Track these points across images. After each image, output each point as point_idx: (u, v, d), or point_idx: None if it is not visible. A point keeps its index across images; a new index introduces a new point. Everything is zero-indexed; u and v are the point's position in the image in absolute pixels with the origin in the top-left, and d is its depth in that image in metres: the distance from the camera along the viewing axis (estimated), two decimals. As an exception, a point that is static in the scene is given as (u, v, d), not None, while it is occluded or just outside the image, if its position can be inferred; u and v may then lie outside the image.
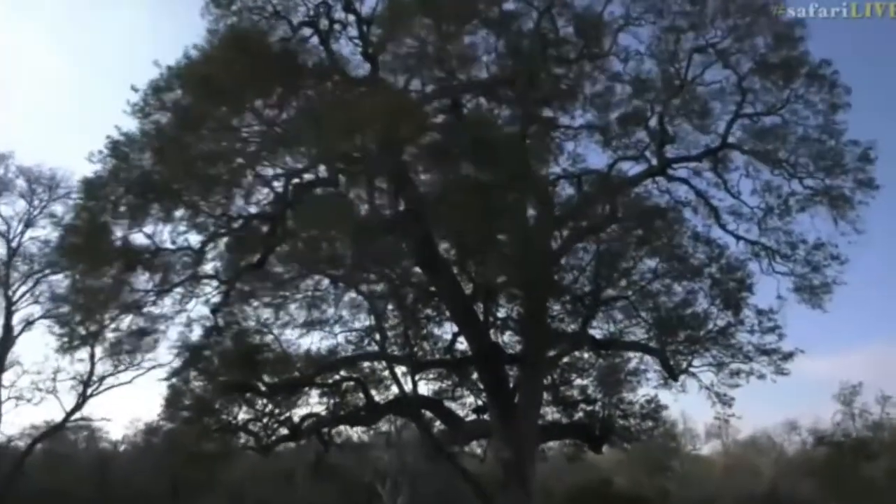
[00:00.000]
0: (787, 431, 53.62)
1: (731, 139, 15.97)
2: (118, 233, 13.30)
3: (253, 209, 13.57)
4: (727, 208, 16.45)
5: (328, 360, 18.41)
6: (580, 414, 19.96)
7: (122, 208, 12.87)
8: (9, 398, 31.94)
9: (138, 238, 13.49)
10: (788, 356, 16.78)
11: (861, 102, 15.20)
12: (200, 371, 17.83)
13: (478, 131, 15.95)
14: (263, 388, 17.42)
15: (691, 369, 17.32)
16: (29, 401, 31.88)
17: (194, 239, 13.60)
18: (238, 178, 12.52)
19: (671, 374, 17.35)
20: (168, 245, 13.56)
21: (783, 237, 15.93)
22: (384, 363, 20.30)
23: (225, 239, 13.93)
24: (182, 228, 13.41)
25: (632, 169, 17.66)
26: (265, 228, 13.81)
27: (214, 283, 14.25)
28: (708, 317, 16.43)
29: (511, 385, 17.01)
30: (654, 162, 16.63)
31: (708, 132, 16.58)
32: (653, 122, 16.86)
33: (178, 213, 12.98)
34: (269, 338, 18.58)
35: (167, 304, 14.76)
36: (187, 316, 15.51)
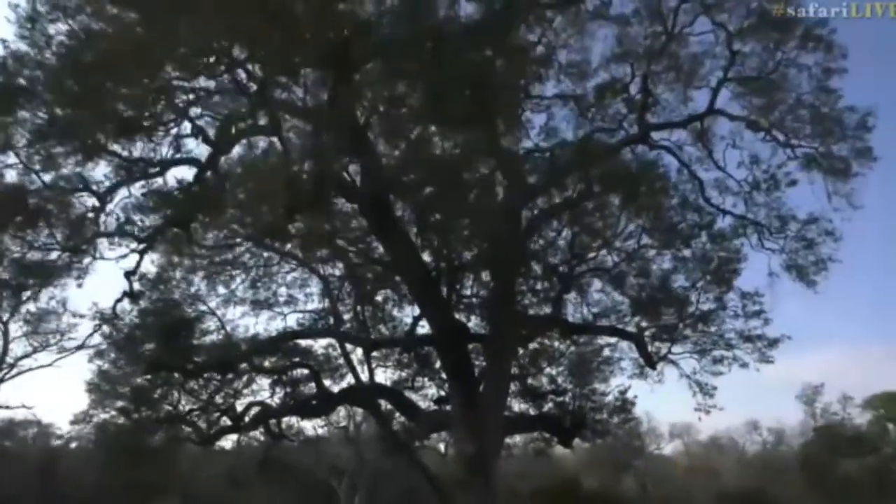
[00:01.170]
0: (748, 431, 53.40)
1: (718, 105, 14.42)
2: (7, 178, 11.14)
3: (170, 152, 11.39)
4: (712, 182, 14.89)
5: (269, 340, 16.31)
6: (549, 405, 18.28)
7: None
8: None
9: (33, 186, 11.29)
10: (774, 343, 15.31)
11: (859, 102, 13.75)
12: (119, 348, 15.64)
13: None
14: (191, 368, 15.20)
15: (670, 356, 15.73)
16: None
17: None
18: (146, 100, 10.35)
19: (649, 361, 15.73)
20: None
21: (773, 212, 14.42)
22: (336, 345, 18.39)
23: (139, 187, 11.80)
24: (89, 173, 11.22)
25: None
26: (189, 179, 11.73)
27: (132, 244, 12.14)
28: (689, 297, 14.85)
29: (475, 373, 15.15)
30: (635, 130, 14.98)
31: (692, 99, 15.02)
32: (634, 88, 15.24)
33: (75, 151, 10.72)
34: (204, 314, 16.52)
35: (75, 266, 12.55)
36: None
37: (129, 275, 12.58)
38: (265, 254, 16.85)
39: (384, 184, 12.60)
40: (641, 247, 14.45)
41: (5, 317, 25.35)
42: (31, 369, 27.44)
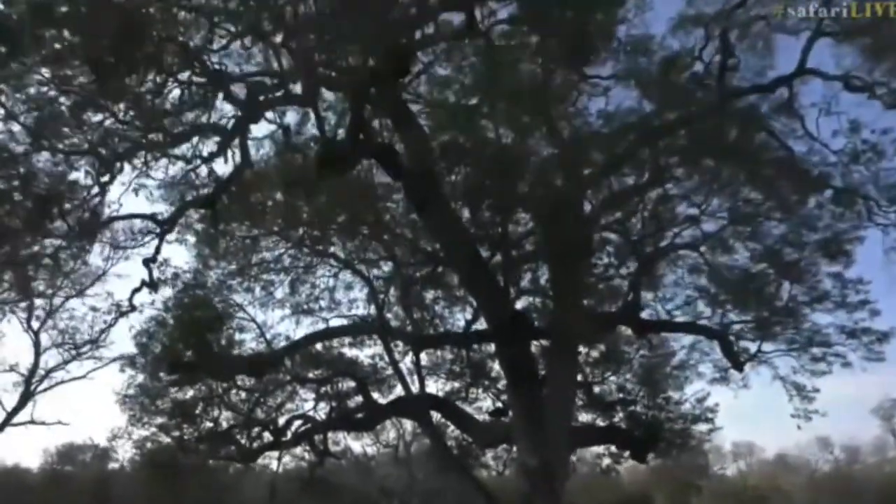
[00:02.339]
0: (819, 449, 49.52)
1: (809, 65, 12.39)
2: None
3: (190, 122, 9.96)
4: (803, 155, 12.79)
5: (306, 338, 14.61)
6: (618, 416, 16.23)
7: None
8: None
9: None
10: (884, 337, 13.03)
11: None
12: (142, 349, 14.23)
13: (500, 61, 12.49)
14: (220, 369, 13.57)
15: (760, 356, 13.58)
16: None
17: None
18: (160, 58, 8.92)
19: (735, 362, 13.61)
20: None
21: (878, 183, 12.22)
22: (384, 354, 16.71)
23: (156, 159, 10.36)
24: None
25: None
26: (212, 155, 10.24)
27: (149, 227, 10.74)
28: (783, 285, 12.68)
29: (538, 378, 13.25)
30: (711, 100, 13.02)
31: (776, 66, 13.06)
32: (707, 55, 13.34)
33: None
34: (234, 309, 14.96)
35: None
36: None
37: (148, 262, 11.23)
38: (304, 251, 15.35)
39: (431, 161, 10.99)
40: (736, 219, 12.30)
41: (36, 325, 23.99)
42: (63, 382, 25.77)
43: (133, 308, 13.07)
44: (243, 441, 18.20)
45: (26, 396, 24.03)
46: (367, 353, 18.27)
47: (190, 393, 18.93)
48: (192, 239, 12.83)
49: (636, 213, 13.00)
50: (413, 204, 11.46)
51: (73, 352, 23.28)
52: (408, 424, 29.29)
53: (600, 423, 15.72)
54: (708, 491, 41.13)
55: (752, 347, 13.66)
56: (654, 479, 36.70)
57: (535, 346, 14.11)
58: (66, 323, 22.79)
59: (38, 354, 24.15)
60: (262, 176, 13.31)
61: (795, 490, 47.01)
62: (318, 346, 18.04)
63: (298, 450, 21.28)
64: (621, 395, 16.38)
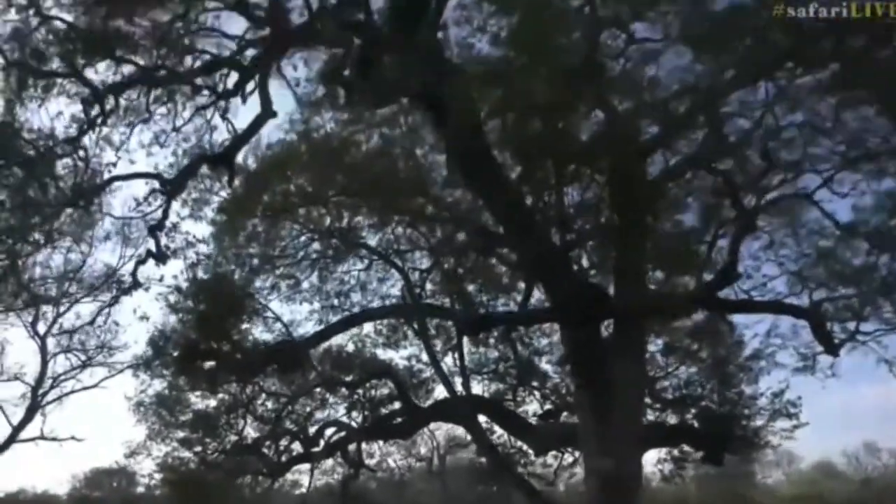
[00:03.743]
0: (868, 455, 46.71)
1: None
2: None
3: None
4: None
5: (339, 323, 12.70)
6: (686, 413, 14.34)
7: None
8: None
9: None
10: None
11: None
12: (157, 348, 12.51)
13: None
14: (239, 359, 11.73)
15: (859, 336, 11.68)
16: None
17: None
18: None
19: (829, 345, 11.72)
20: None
21: None
22: (421, 356, 14.98)
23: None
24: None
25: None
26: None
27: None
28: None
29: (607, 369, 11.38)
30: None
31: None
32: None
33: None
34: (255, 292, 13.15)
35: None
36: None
37: (153, 230, 9.66)
38: (332, 241, 13.71)
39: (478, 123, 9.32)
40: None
41: (42, 330, 21.58)
42: (74, 391, 23.21)
43: (137, 284, 11.41)
44: (271, 454, 16.56)
45: (33, 408, 21.61)
46: (402, 354, 16.73)
47: (212, 403, 17.36)
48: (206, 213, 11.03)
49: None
50: (458, 166, 9.76)
51: (83, 356, 21.37)
52: (440, 436, 27.51)
53: (670, 420, 13.80)
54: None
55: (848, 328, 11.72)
56: (698, 491, 34.35)
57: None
58: (73, 323, 21.01)
59: (44, 362, 21.91)
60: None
61: (844, 500, 44.20)
62: (350, 346, 16.44)
63: (329, 462, 19.66)
64: (688, 390, 14.50)
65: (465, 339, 15.60)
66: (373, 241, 14.77)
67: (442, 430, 28.37)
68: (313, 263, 14.13)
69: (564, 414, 15.68)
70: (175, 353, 11.86)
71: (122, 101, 8.71)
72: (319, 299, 14.16)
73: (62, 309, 19.71)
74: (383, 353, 16.61)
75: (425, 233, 14.10)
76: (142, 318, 12.11)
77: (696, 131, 11.76)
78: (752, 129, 9.82)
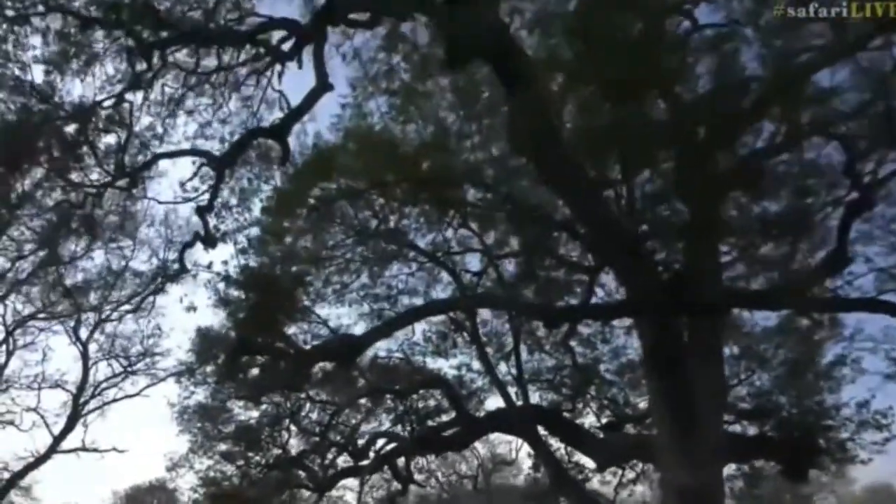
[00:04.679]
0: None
1: None
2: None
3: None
4: None
5: (399, 318, 11.66)
6: (766, 424, 13.12)
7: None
8: None
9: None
10: None
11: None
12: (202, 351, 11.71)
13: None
14: (296, 353, 10.72)
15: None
16: (11, 423, 20.70)
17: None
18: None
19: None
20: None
21: None
22: (472, 364, 14.03)
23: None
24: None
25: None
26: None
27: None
28: None
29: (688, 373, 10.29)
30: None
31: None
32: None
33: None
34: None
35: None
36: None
37: (202, 211, 8.95)
38: (380, 242, 12.92)
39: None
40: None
41: (84, 335, 20.36)
42: (115, 400, 21.86)
43: (184, 269, 10.65)
44: (316, 468, 15.75)
45: (75, 417, 20.50)
46: (452, 363, 15.84)
47: (255, 414, 16.66)
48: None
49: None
50: (525, 148, 8.87)
51: (125, 361, 20.69)
52: (483, 451, 26.37)
53: (750, 432, 12.63)
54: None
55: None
56: None
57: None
58: (114, 327, 20.06)
59: (86, 368, 20.68)
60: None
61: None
62: (398, 355, 15.61)
63: (375, 477, 18.75)
64: (763, 399, 13.32)
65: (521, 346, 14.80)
66: (422, 242, 14.04)
67: (485, 446, 27.39)
68: (361, 265, 13.37)
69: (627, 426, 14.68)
70: (225, 348, 11.08)
71: (170, 60, 8.03)
72: (367, 302, 13.37)
73: (105, 313, 19.13)
74: (432, 363, 15.85)
75: (478, 231, 13.26)
76: (189, 308, 11.41)
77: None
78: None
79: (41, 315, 19.41)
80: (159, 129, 8.77)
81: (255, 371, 15.18)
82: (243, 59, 8.38)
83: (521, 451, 25.45)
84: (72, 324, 19.28)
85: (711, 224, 10.26)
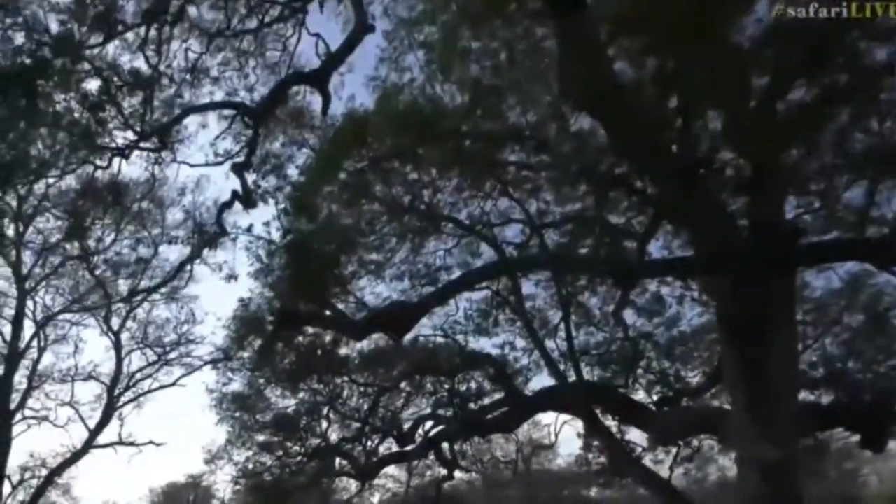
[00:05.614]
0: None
1: None
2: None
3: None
4: None
5: (454, 284, 10.67)
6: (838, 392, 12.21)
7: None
8: (22, 418, 19.87)
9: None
10: None
11: None
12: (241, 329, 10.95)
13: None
14: (351, 323, 9.89)
15: None
16: (46, 419, 20.35)
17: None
18: None
19: None
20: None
21: None
22: (517, 343, 13.26)
23: None
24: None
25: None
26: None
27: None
28: None
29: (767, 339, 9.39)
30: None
31: None
32: None
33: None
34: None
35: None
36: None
37: (240, 168, 8.22)
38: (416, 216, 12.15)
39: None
40: None
41: (116, 325, 19.65)
42: (150, 391, 21.12)
43: (223, 231, 9.92)
44: (357, 455, 15.13)
45: (110, 409, 19.67)
46: (495, 342, 15.09)
47: (292, 403, 16.07)
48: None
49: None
50: (578, 88, 7.98)
51: (160, 350, 20.05)
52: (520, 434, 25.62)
53: (825, 400, 11.74)
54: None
55: None
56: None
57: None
58: (146, 312, 19.49)
59: (119, 359, 19.90)
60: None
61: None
62: (440, 338, 14.86)
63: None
64: (836, 365, 12.41)
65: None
66: (460, 215, 13.27)
67: (524, 431, 26.63)
68: (398, 241, 12.63)
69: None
70: (271, 318, 10.33)
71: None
72: (408, 278, 12.64)
73: (136, 299, 18.51)
74: (474, 343, 15.10)
75: (522, 199, 12.46)
76: (229, 277, 10.70)
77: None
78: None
79: (73, 308, 18.92)
80: (185, 86, 8.07)
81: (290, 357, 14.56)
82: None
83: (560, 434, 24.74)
84: (102, 313, 18.72)
85: (780, 173, 9.38)
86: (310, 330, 13.76)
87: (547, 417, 21.05)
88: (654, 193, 8.79)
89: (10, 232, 17.00)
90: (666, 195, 8.29)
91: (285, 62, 8.57)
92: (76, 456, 19.55)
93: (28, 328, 19.29)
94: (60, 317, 19.18)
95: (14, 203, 14.77)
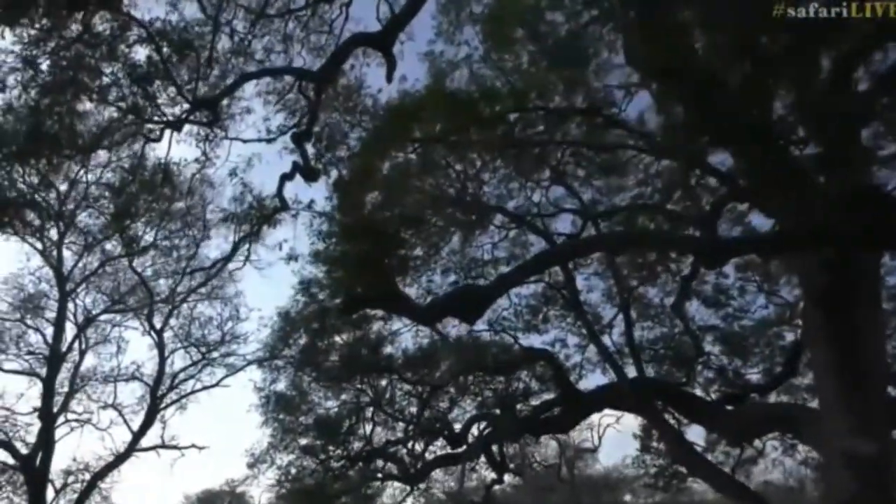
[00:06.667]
0: None
1: None
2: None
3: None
4: None
5: (527, 265, 9.90)
6: None
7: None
8: (65, 421, 19.37)
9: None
10: None
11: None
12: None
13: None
14: (423, 307, 9.21)
15: None
16: (88, 422, 19.74)
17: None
18: None
19: None
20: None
21: None
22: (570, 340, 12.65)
23: None
24: None
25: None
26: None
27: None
28: None
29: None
30: None
31: None
32: None
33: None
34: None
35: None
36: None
37: (299, 138, 7.71)
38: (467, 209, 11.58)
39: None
40: None
41: (158, 324, 19.15)
42: (194, 392, 20.33)
43: (284, 206, 9.35)
44: (405, 458, 14.53)
45: (153, 411, 19.14)
46: (544, 339, 14.43)
47: (335, 404, 15.53)
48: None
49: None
50: (654, 63, 7.36)
51: (203, 349, 19.51)
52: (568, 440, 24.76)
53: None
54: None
55: None
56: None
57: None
58: (190, 309, 18.91)
59: (162, 359, 19.33)
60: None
61: None
62: (487, 335, 14.25)
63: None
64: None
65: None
66: (509, 207, 12.71)
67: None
68: (448, 232, 12.09)
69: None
70: (338, 302, 9.79)
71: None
72: (457, 271, 12.09)
73: (178, 299, 18.05)
74: (524, 340, 14.45)
75: (578, 188, 11.86)
76: (290, 258, 10.20)
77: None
78: None
79: (116, 307, 18.58)
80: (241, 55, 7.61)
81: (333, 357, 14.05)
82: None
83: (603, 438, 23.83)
84: (145, 312, 18.33)
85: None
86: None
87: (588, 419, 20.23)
88: (734, 170, 8.11)
89: (53, 234, 16.84)
90: (754, 169, 7.60)
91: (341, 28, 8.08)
92: (119, 459, 19.08)
93: (70, 330, 19.21)
94: (102, 317, 18.95)
95: (55, 203, 14.56)
